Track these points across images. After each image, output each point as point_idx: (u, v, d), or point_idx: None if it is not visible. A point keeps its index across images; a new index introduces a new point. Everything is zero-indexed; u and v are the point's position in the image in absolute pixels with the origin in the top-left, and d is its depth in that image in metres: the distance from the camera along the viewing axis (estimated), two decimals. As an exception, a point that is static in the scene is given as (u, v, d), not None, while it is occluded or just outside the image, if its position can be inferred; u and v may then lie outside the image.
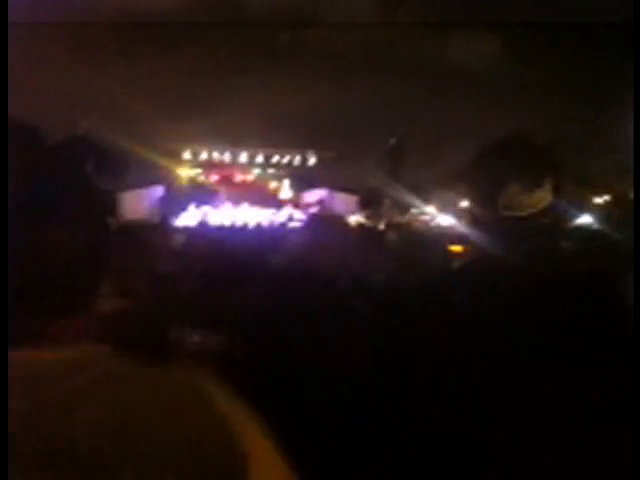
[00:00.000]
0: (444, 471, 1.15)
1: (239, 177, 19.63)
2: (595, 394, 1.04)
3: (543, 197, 1.18)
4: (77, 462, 0.64)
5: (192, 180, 19.13)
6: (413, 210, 17.68)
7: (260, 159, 19.88)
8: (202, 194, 17.20)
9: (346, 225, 2.23)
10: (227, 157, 19.54)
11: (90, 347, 0.72)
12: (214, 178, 19.17)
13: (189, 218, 14.88)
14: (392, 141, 22.56)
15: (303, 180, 20.23)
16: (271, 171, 20.31)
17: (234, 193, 18.40)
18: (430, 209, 16.01)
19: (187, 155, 19.11)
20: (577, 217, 1.26)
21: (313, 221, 2.04)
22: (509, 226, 1.18)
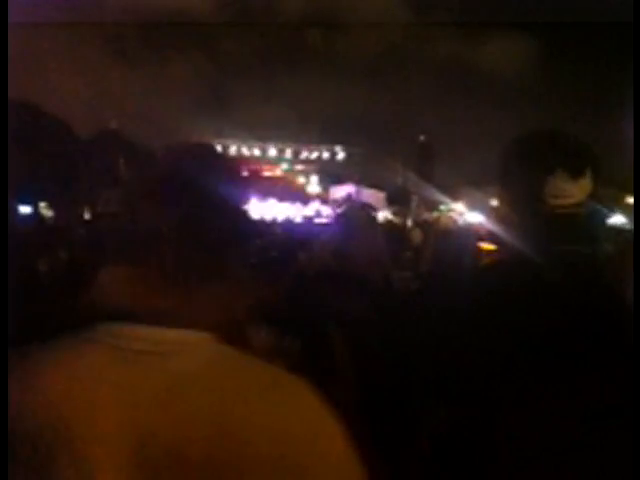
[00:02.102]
0: (444, 471, 1.15)
1: (268, 172, 19.72)
2: (599, 394, 1.03)
3: (585, 186, 1.19)
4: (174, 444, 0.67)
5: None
6: (442, 207, 17.53)
7: (289, 154, 19.93)
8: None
9: (374, 219, 2.22)
10: (256, 152, 19.65)
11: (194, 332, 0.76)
12: (244, 172, 19.21)
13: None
14: (421, 138, 22.39)
15: (331, 176, 20.24)
16: (299, 166, 20.35)
17: (262, 188, 18.53)
18: (459, 206, 15.86)
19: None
20: (610, 215, 1.25)
21: (343, 216, 2.03)
22: (556, 215, 1.19)
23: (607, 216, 1.19)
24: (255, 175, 19.33)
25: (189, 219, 0.76)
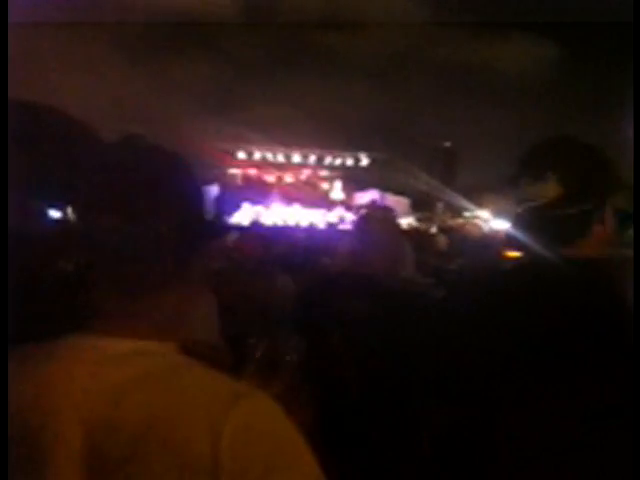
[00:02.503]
0: (444, 471, 1.15)
1: (291, 177, 19.80)
2: (600, 394, 1.03)
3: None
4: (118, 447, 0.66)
5: (246, 180, 19.43)
6: (466, 213, 17.38)
7: (313, 160, 19.99)
8: (255, 194, 17.46)
9: (395, 222, 2.21)
10: (280, 157, 19.75)
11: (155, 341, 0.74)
12: (267, 178, 19.40)
13: (242, 217, 15.14)
14: (446, 144, 22.24)
15: (355, 181, 20.24)
16: (323, 172, 20.40)
17: (286, 193, 18.57)
18: (484, 213, 15.69)
19: (241, 155, 19.43)
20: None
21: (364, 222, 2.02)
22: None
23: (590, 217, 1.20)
24: (279, 181, 19.42)
25: (128, 221, 0.72)
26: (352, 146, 20.00)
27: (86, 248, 0.74)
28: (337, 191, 19.79)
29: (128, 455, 0.65)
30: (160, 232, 0.73)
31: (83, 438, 0.67)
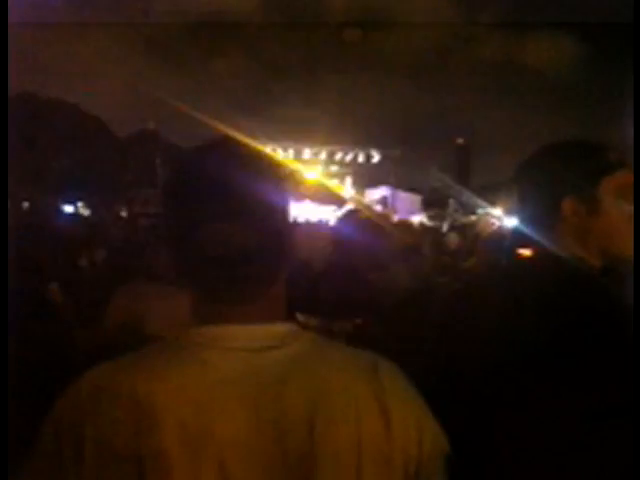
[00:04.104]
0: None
1: (302, 174, 19.80)
2: (601, 394, 1.03)
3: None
4: (291, 430, 0.70)
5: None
6: (479, 210, 17.27)
7: (323, 156, 19.96)
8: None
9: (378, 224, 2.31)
10: (291, 154, 19.75)
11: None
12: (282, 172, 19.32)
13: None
14: (459, 141, 22.13)
15: (366, 178, 20.22)
16: (334, 168, 20.37)
17: (297, 189, 18.60)
18: (497, 211, 15.59)
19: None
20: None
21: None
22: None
23: None
24: (290, 177, 19.38)
25: (243, 219, 0.74)
26: (363, 142, 19.95)
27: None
28: (348, 187, 19.76)
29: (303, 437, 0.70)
30: (279, 230, 0.79)
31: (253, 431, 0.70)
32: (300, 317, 1.55)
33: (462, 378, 1.13)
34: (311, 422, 0.70)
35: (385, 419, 0.73)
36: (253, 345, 0.74)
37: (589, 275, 1.16)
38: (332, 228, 2.27)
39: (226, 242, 0.74)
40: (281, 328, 0.77)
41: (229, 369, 0.72)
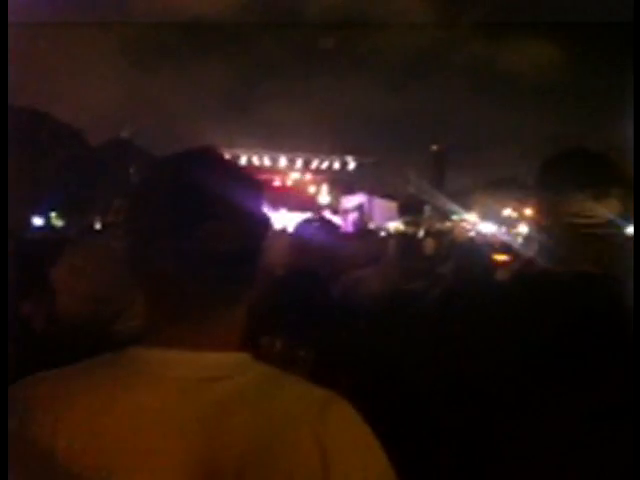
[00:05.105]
0: (446, 470, 1.16)
1: (278, 182, 19.78)
2: (601, 394, 1.04)
3: (608, 208, 1.18)
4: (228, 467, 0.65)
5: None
6: (454, 216, 17.48)
7: (299, 164, 19.99)
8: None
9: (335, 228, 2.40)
10: (266, 161, 19.73)
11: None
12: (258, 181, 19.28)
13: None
14: (434, 147, 22.40)
15: (342, 185, 20.28)
16: (310, 176, 20.40)
17: (273, 198, 18.55)
18: (471, 216, 15.79)
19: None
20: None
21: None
22: (573, 234, 1.19)
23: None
24: (266, 185, 19.34)
25: (208, 234, 0.70)
26: (339, 150, 20.05)
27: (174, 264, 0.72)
28: (324, 195, 19.81)
29: (240, 466, 0.65)
30: (242, 247, 0.73)
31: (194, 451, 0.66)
32: (265, 340, 1.51)
33: (462, 379, 1.13)
34: (243, 465, 0.65)
35: (323, 464, 0.66)
36: (197, 374, 0.69)
37: (589, 276, 1.16)
38: (290, 234, 2.28)
39: (191, 253, 0.70)
40: (231, 358, 0.72)
41: (161, 399, 0.67)
